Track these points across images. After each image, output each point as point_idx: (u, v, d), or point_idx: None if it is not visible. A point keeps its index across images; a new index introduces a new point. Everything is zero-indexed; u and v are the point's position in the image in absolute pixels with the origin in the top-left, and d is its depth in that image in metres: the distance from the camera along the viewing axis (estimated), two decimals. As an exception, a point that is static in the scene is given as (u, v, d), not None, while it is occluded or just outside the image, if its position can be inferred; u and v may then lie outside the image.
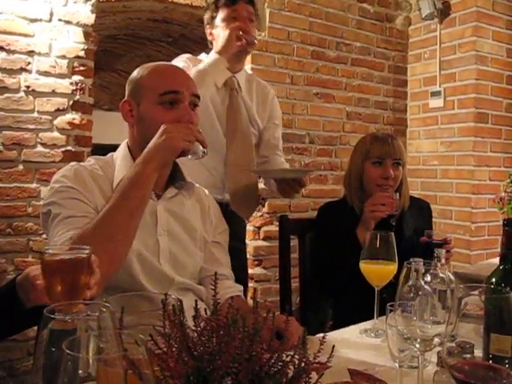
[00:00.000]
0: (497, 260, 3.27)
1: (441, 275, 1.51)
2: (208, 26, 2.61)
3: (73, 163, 1.65)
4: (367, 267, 1.77)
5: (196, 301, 0.82)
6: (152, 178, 1.47)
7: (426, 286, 1.38)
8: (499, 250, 4.31)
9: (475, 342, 1.23)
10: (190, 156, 1.55)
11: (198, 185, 1.86)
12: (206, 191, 1.90)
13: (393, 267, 1.74)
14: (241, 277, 2.22)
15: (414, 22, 4.89)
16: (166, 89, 1.60)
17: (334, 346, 0.86)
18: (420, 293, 1.35)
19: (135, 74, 1.70)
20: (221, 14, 2.54)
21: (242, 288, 1.84)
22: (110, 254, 1.37)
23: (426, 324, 1.26)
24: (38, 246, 3.16)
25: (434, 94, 4.65)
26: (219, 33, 2.51)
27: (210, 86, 2.44)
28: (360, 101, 4.64)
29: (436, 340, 1.14)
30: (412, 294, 1.35)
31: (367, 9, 4.66)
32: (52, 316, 0.73)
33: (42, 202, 3.09)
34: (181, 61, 2.48)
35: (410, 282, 1.36)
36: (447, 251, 2.19)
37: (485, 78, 4.42)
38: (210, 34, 2.59)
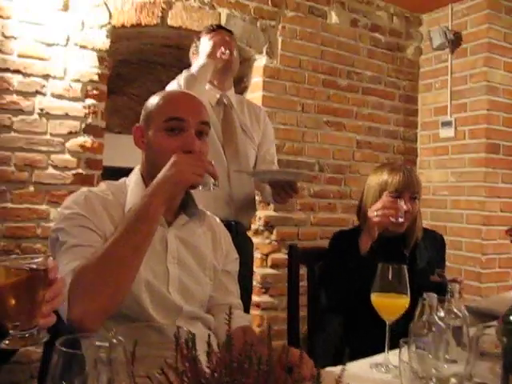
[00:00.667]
0: (510, 294, 3.24)
1: (455, 311, 1.48)
2: (193, 56, 2.83)
3: (84, 189, 1.63)
4: (378, 300, 1.75)
5: (209, 335, 0.81)
6: (159, 212, 1.45)
7: (440, 322, 1.36)
8: None
9: (492, 382, 1.21)
10: (200, 188, 1.52)
11: (209, 213, 1.84)
12: (218, 219, 1.88)
13: (405, 301, 1.71)
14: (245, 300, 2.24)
15: (425, 51, 4.91)
16: (171, 115, 1.59)
17: (348, 385, 0.84)
18: (434, 329, 1.33)
19: (149, 100, 1.70)
20: (202, 41, 2.74)
21: (250, 318, 1.82)
22: (112, 287, 1.35)
23: (441, 362, 1.24)
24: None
25: (445, 124, 4.64)
26: (202, 46, 2.72)
27: (202, 86, 2.58)
28: (370, 130, 4.64)
29: (452, 381, 1.12)
30: (426, 330, 1.33)
31: (378, 38, 4.69)
32: (63, 349, 0.72)
33: (51, 225, 3.09)
34: (175, 83, 2.64)
35: (424, 318, 1.34)
36: (454, 280, 2.17)
37: (496, 108, 4.42)
38: (193, 57, 2.84)
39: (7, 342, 0.96)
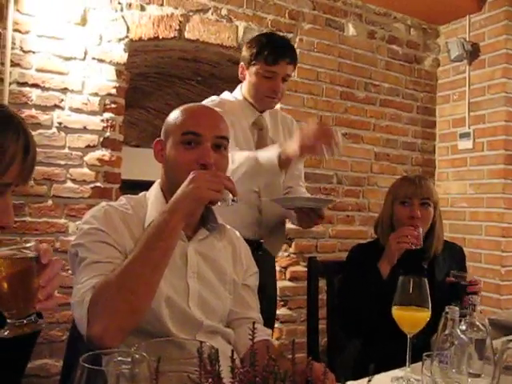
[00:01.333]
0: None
1: (477, 324, 1.46)
2: (242, 63, 2.56)
3: (103, 203, 1.63)
4: (399, 313, 1.73)
5: (232, 351, 0.80)
6: (178, 229, 1.44)
7: (462, 336, 1.34)
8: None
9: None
10: (219, 203, 1.51)
11: (229, 226, 1.83)
12: (237, 233, 1.87)
13: (426, 314, 1.69)
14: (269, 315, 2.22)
15: (443, 63, 4.89)
16: (188, 129, 1.60)
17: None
18: (456, 342, 1.31)
19: (170, 114, 1.71)
20: (258, 67, 2.46)
21: (270, 332, 1.80)
22: (131, 305, 1.35)
23: (464, 376, 1.22)
24: (65, 281, 3.16)
25: (463, 136, 4.61)
26: (250, 83, 2.52)
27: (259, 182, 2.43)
28: (388, 142, 4.62)
29: (477, 395, 1.10)
30: (448, 344, 1.31)
31: (396, 50, 4.68)
32: (87, 366, 0.71)
33: (70, 238, 3.10)
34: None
35: (447, 331, 1.32)
36: (475, 293, 2.15)
37: (515, 119, 4.38)
38: (242, 72, 2.57)
39: (6, 331, 0.97)
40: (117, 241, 1.50)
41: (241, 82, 2.63)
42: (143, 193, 1.72)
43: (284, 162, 2.24)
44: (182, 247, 1.60)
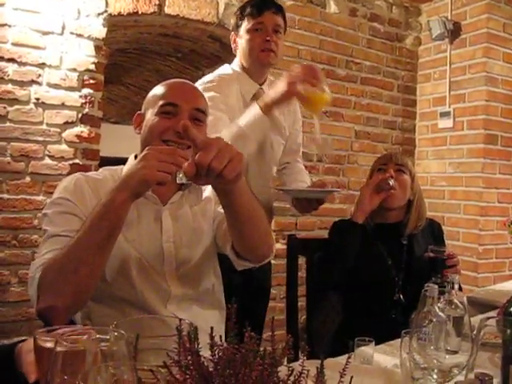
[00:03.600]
0: (506, 284, 3.25)
1: (455, 301, 1.47)
2: (233, 33, 2.53)
3: (77, 173, 1.67)
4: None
5: (212, 328, 0.79)
6: (124, 208, 1.35)
7: (440, 313, 1.35)
8: (508, 273, 4.26)
9: (491, 371, 1.21)
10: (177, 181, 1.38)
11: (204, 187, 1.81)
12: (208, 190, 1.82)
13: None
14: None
15: (424, 42, 4.89)
16: (166, 101, 1.63)
17: (352, 377, 0.83)
18: (434, 320, 1.32)
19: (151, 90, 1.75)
20: (246, 24, 2.42)
21: None
22: (74, 286, 1.32)
23: (441, 352, 1.23)
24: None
25: (444, 115, 4.63)
26: (243, 45, 2.44)
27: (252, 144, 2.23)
28: (369, 120, 4.62)
29: (454, 371, 1.11)
30: (427, 321, 1.32)
31: (377, 28, 4.66)
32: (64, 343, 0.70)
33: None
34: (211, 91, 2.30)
35: (425, 309, 1.33)
36: (453, 266, 2.18)
37: (495, 99, 4.41)
38: (234, 41, 2.52)
39: None
40: (83, 210, 1.50)
41: (220, 59, 2.59)
42: (121, 166, 1.74)
43: (268, 106, 2.15)
44: (156, 211, 1.63)
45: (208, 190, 1.81)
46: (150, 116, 1.65)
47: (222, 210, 1.60)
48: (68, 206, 1.51)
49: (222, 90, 2.34)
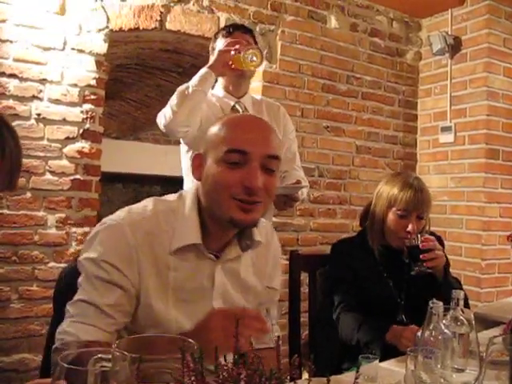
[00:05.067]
0: (509, 299, 3.22)
1: (461, 318, 1.46)
2: (211, 56, 2.69)
3: (123, 218, 1.42)
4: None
5: (216, 348, 0.78)
6: None
7: (446, 331, 1.33)
8: (511, 287, 4.23)
9: (499, 390, 1.19)
10: None
11: (264, 226, 1.67)
12: (270, 230, 1.72)
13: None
14: None
15: (425, 56, 4.90)
16: (232, 146, 1.37)
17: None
18: (440, 337, 1.31)
19: (211, 126, 1.50)
20: (219, 44, 2.63)
21: (278, 334, 1.69)
22: None
23: (448, 371, 1.22)
24: (44, 274, 3.12)
25: (445, 129, 4.63)
26: (217, 59, 2.58)
27: (197, 99, 2.47)
28: (370, 135, 4.62)
29: (463, 391, 1.09)
30: (432, 339, 1.30)
31: (378, 43, 4.67)
32: (65, 365, 0.69)
33: (49, 231, 3.06)
34: None
35: (431, 326, 1.31)
36: (430, 250, 2.14)
37: (496, 113, 4.40)
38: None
39: None
40: (131, 279, 1.38)
41: None
42: (176, 196, 1.55)
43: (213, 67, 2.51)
44: (210, 267, 1.48)
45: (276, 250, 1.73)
46: (213, 163, 1.40)
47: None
48: (113, 275, 1.36)
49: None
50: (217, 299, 1.49)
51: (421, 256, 2.13)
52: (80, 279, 1.40)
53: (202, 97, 2.50)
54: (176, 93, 2.47)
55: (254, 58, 2.50)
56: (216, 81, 2.72)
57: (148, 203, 1.50)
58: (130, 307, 1.39)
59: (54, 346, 1.30)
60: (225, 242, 1.51)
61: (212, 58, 2.59)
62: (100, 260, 1.36)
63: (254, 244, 1.54)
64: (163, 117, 2.50)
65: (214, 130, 1.45)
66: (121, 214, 1.45)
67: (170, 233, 1.43)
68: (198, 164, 1.48)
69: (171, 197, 1.55)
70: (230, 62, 2.51)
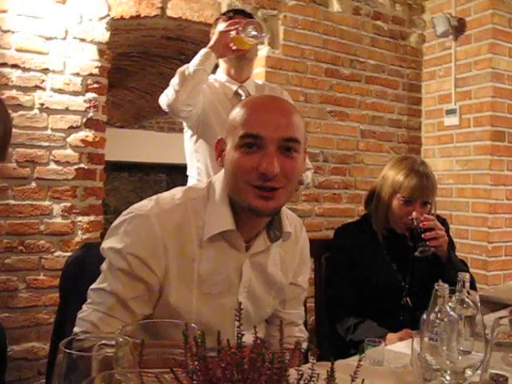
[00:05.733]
0: (517, 282, 3.22)
1: (467, 300, 1.45)
2: None
3: (152, 208, 1.38)
4: None
5: (219, 332, 0.78)
6: None
7: (452, 313, 1.33)
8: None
9: (505, 371, 1.19)
10: None
11: (293, 219, 1.64)
12: (302, 226, 1.70)
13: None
14: None
15: (429, 39, 4.86)
16: (246, 131, 1.33)
17: (363, 380, 0.81)
18: (446, 319, 1.30)
19: (233, 109, 1.46)
20: (219, 28, 2.61)
21: (306, 336, 1.74)
22: None
23: (454, 353, 1.21)
24: (50, 263, 3.14)
25: (450, 112, 4.60)
26: (219, 42, 2.57)
27: (197, 80, 2.47)
28: (374, 119, 4.60)
29: (468, 373, 1.09)
30: (438, 321, 1.30)
31: (381, 26, 4.64)
32: (67, 350, 0.69)
33: (54, 221, 3.07)
34: None
35: (436, 309, 1.31)
36: (431, 229, 2.15)
37: (501, 95, 4.37)
38: None
39: None
40: (157, 273, 1.36)
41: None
42: (205, 184, 1.51)
43: (213, 48, 2.51)
44: (238, 260, 1.46)
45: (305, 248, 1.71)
46: (231, 149, 1.37)
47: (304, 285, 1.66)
48: (138, 269, 1.34)
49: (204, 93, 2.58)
50: (242, 293, 1.48)
51: (423, 235, 2.14)
52: (103, 266, 1.39)
53: (204, 76, 2.50)
54: (177, 73, 2.48)
55: (254, 32, 2.49)
56: (217, 66, 2.72)
57: (177, 192, 1.46)
58: (151, 300, 1.38)
59: (74, 331, 1.32)
60: (255, 234, 1.47)
61: (212, 39, 2.58)
62: (125, 252, 1.34)
63: (284, 235, 1.51)
64: (165, 97, 2.50)
65: (233, 114, 1.41)
66: (148, 203, 1.41)
67: (199, 223, 1.40)
68: (220, 150, 1.45)
69: (200, 184, 1.53)
70: (232, 44, 2.51)
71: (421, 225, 2.15)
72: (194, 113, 2.50)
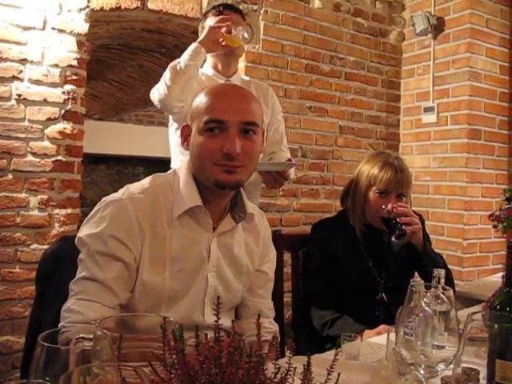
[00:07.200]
0: (490, 278, 3.27)
1: (442, 296, 1.47)
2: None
3: (125, 194, 1.49)
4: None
5: (197, 326, 0.78)
6: None
7: (426, 308, 1.35)
8: (492, 267, 4.29)
9: (477, 365, 1.21)
10: None
11: (254, 208, 1.73)
12: (260, 214, 1.78)
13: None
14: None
15: (408, 37, 4.90)
16: (210, 117, 1.45)
17: (339, 374, 0.82)
18: (421, 314, 1.32)
19: (195, 97, 1.58)
20: (208, 19, 2.66)
21: (276, 329, 1.75)
22: None
23: (429, 348, 1.23)
24: (26, 256, 3.11)
25: (427, 110, 4.64)
26: (207, 37, 2.58)
27: (189, 75, 2.48)
28: (353, 115, 4.62)
29: (441, 367, 1.10)
30: (413, 316, 1.32)
31: (361, 23, 4.66)
32: (45, 344, 0.69)
33: (31, 213, 3.04)
34: None
35: (412, 304, 1.33)
36: (408, 224, 2.17)
37: (478, 94, 4.43)
38: None
39: None
40: (130, 245, 1.43)
41: None
42: (171, 172, 1.63)
43: (203, 43, 2.52)
44: (207, 239, 1.55)
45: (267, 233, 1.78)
46: (196, 133, 1.49)
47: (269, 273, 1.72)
48: (116, 248, 1.41)
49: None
50: (211, 271, 1.56)
51: (398, 219, 2.17)
52: (81, 256, 1.44)
53: (195, 71, 2.52)
54: (168, 68, 2.48)
55: (246, 35, 2.53)
56: (205, 60, 2.72)
57: (145, 180, 1.58)
58: (130, 280, 1.44)
59: (60, 324, 1.32)
60: (220, 214, 1.58)
61: (202, 34, 2.59)
62: (103, 234, 1.42)
63: (248, 217, 1.63)
64: (157, 92, 2.51)
65: (197, 101, 1.53)
66: (119, 191, 1.52)
67: (168, 204, 1.51)
68: (186, 135, 1.57)
69: (166, 173, 1.63)
70: (221, 39, 2.53)
71: (395, 210, 2.19)
72: (185, 109, 2.49)
